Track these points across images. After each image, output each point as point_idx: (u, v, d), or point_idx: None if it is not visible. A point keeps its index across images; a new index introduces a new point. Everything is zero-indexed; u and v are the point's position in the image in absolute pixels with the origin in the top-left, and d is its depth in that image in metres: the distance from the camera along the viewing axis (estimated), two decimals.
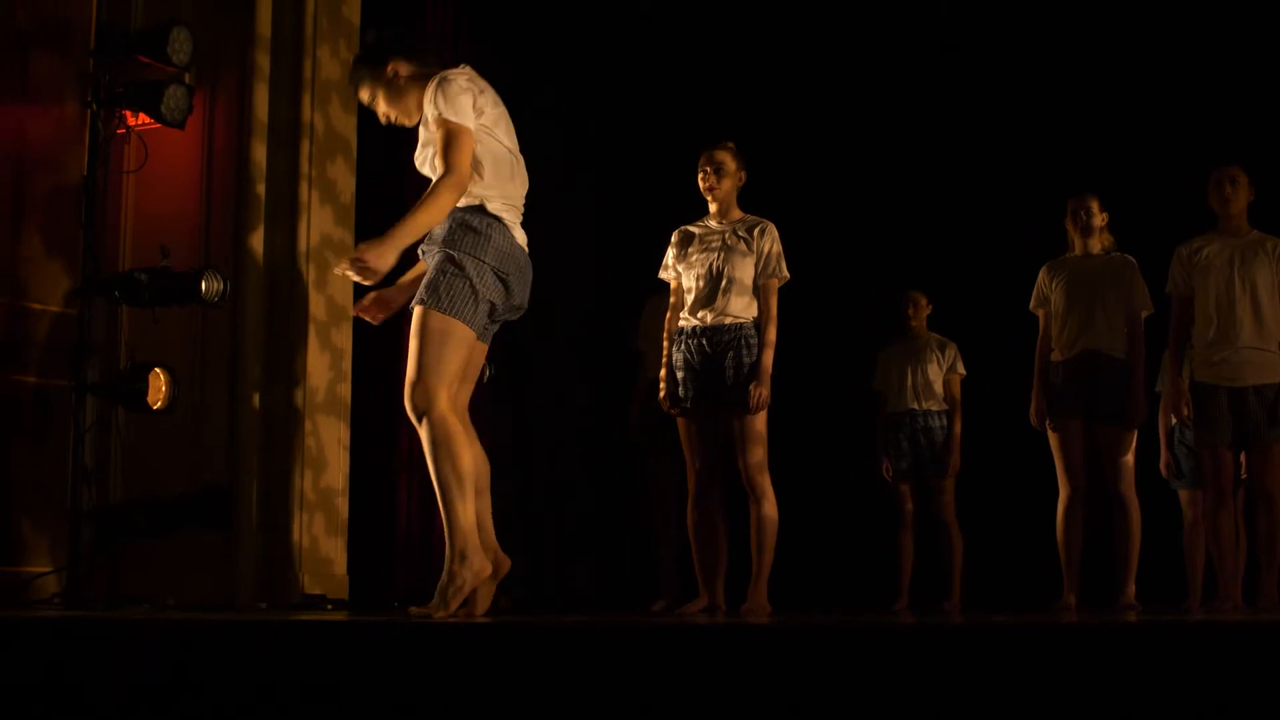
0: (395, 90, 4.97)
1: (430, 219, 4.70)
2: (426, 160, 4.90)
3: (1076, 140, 8.68)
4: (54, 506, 6.94)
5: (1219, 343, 6.47)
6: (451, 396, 4.77)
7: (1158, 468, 7.63)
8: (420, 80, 4.91)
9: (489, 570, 4.79)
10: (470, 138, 4.76)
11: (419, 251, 4.94)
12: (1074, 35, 8.87)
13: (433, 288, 4.76)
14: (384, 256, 4.64)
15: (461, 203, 4.79)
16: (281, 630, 3.95)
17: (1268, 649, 3.14)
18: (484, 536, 4.92)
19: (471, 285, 4.73)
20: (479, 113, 4.81)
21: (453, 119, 4.72)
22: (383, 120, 5.07)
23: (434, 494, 4.83)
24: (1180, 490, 7.62)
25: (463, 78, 4.84)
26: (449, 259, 4.76)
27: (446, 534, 4.74)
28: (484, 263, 4.77)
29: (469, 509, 4.73)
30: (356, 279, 4.74)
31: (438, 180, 4.70)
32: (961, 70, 9.08)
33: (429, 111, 4.78)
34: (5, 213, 6.94)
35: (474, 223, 4.78)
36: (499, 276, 4.81)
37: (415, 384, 4.72)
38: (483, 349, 5.01)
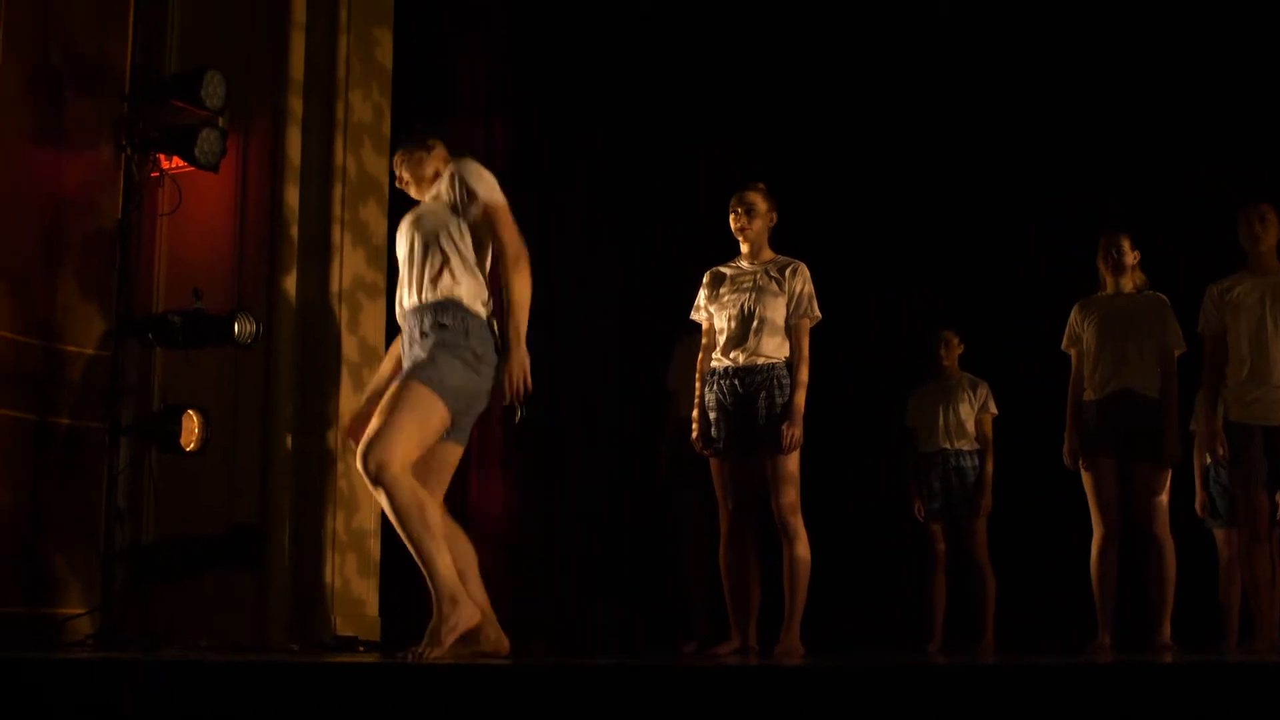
0: (419, 161, 5.20)
1: (527, 300, 4.94)
2: (427, 226, 5.05)
3: (1107, 179, 8.67)
4: (88, 547, 6.97)
5: (1252, 382, 6.44)
6: (408, 465, 4.79)
7: (1193, 507, 7.59)
8: (442, 162, 5.19)
9: (477, 618, 4.82)
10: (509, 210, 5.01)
11: (403, 348, 5.06)
12: (1105, 74, 8.87)
13: (426, 365, 4.85)
14: (523, 358, 4.90)
15: (462, 300, 4.94)
16: (313, 672, 3.96)
17: None
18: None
19: (462, 375, 4.86)
20: None
21: (497, 198, 4.97)
22: (398, 184, 5.30)
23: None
24: (1215, 530, 7.58)
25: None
26: (446, 346, 4.88)
27: (430, 585, 4.76)
28: (477, 374, 4.92)
29: (445, 556, 4.78)
30: (523, 394, 4.90)
31: (508, 266, 4.93)
32: (992, 110, 9.09)
33: (467, 189, 4.98)
34: (41, 256, 6.98)
35: (477, 331, 4.95)
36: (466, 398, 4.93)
37: (373, 441, 4.76)
38: (454, 450, 5.09)
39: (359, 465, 4.81)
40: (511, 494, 8.68)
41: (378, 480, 4.73)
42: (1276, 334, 6.42)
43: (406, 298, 5.03)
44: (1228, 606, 7.45)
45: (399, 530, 4.78)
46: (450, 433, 4.97)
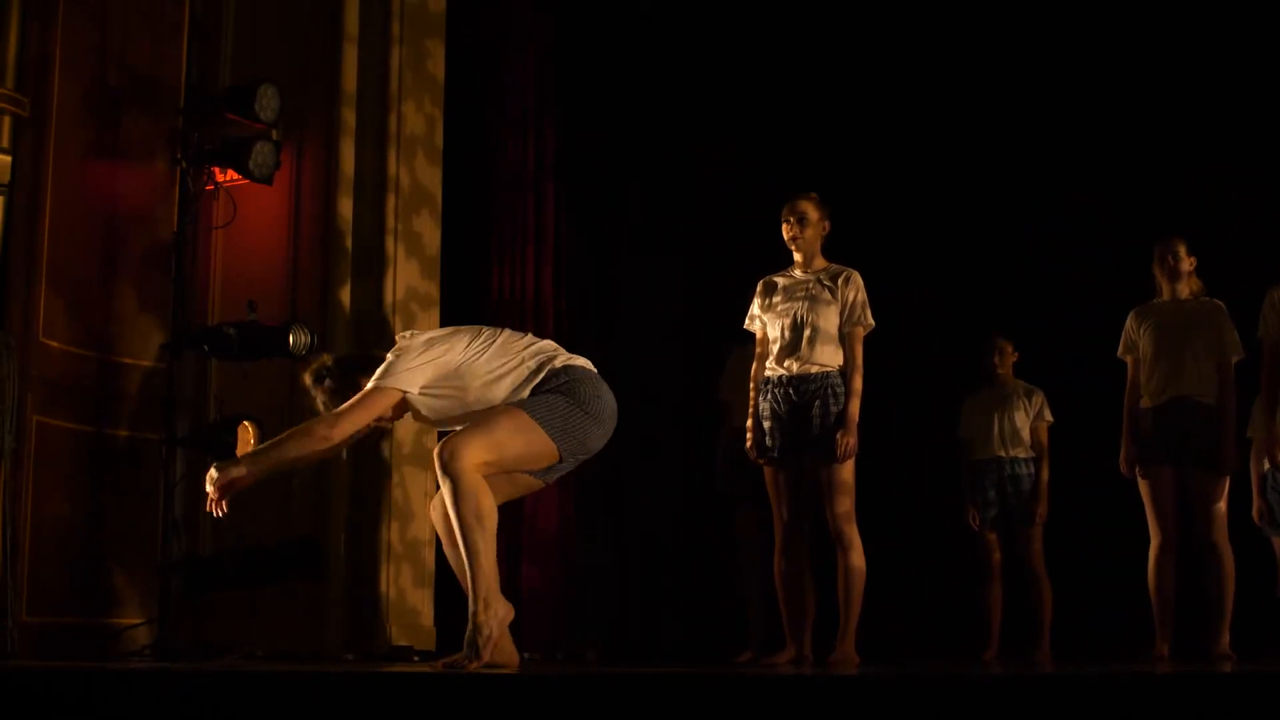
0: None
1: (285, 456, 4.91)
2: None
3: (1163, 184, 8.61)
4: (145, 558, 7.02)
5: None
6: (480, 466, 4.74)
7: (1251, 515, 7.52)
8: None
9: (511, 614, 4.80)
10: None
11: None
12: (1157, 83, 8.82)
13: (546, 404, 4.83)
14: (232, 473, 4.80)
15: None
16: (369, 682, 3.97)
17: None
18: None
19: (575, 423, 4.87)
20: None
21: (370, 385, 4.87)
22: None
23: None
24: (1274, 538, 7.51)
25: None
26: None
27: (469, 579, 4.73)
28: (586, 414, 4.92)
29: (491, 555, 4.75)
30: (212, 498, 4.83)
31: (313, 422, 4.92)
32: (1046, 118, 9.04)
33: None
34: (98, 269, 7.05)
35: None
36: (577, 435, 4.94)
37: (457, 440, 4.72)
38: (532, 483, 5.13)
39: (436, 455, 4.77)
40: (567, 505, 8.68)
41: (446, 468, 4.69)
42: None
43: None
44: None
45: (452, 513, 4.73)
46: (541, 473, 5.02)
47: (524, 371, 4.90)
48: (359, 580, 7.24)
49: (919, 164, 9.30)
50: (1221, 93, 8.65)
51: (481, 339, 4.95)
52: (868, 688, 3.47)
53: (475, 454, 4.70)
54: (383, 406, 4.87)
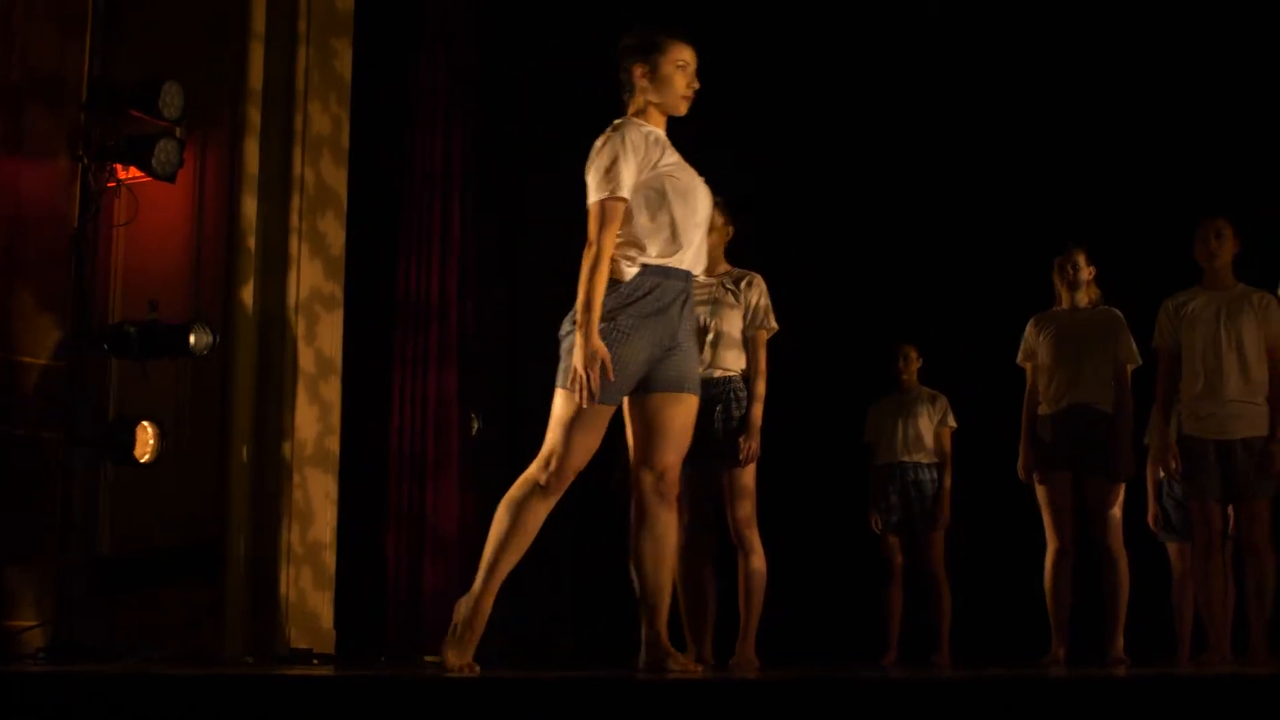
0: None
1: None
2: None
3: (1064, 194, 8.71)
4: (42, 559, 6.92)
5: (1206, 396, 6.47)
6: None
7: (1146, 520, 7.62)
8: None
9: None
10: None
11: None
12: (1061, 89, 8.92)
13: None
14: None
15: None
16: (268, 685, 3.94)
17: (1256, 702, 3.14)
18: None
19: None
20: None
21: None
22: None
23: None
24: (1169, 543, 7.61)
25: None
26: None
27: None
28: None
29: None
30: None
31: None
32: (950, 125, 9.12)
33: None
34: None
35: None
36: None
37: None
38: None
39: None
40: (467, 505, 8.65)
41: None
42: (1230, 349, 6.46)
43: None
44: (1181, 619, 7.48)
45: None
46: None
47: None
48: (259, 583, 7.18)
49: (823, 169, 9.36)
50: (1121, 104, 8.77)
51: None
52: (767, 691, 3.49)
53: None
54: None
